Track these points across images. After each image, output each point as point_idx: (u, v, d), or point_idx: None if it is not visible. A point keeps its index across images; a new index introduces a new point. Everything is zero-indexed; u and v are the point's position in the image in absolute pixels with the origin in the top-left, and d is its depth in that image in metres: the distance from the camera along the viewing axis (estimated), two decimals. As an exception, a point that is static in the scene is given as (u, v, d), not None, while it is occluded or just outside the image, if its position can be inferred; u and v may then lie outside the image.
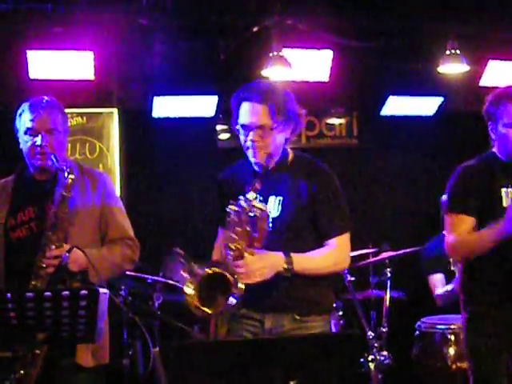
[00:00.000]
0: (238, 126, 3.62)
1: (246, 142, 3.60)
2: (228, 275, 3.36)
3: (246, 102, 3.59)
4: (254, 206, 3.44)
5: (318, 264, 3.58)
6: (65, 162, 3.90)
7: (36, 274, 3.59)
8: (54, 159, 3.74)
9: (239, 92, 3.63)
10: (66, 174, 3.70)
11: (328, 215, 3.61)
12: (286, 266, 3.47)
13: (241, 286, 3.35)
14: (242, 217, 3.45)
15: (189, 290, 3.37)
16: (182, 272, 4.53)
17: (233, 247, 3.44)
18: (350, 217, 3.68)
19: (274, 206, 3.61)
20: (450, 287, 5.88)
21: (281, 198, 3.61)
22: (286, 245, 3.55)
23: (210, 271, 3.39)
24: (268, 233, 3.52)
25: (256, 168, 3.65)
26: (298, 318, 3.58)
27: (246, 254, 3.43)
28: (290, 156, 3.72)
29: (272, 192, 3.64)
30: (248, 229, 3.46)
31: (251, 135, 3.57)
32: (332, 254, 3.61)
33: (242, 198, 3.47)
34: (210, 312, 3.37)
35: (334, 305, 5.84)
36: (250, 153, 3.62)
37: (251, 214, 3.45)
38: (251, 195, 3.46)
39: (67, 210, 3.70)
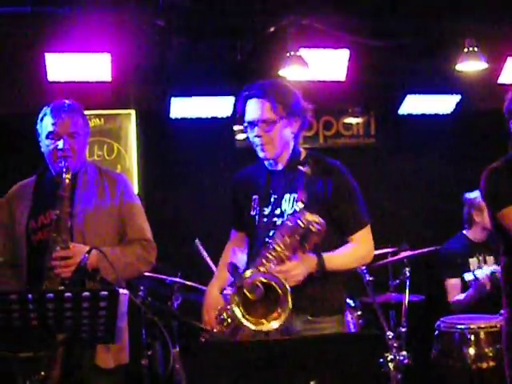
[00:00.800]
0: (245, 125, 3.69)
1: (253, 138, 3.66)
2: (276, 287, 3.35)
3: (249, 99, 3.66)
4: (308, 221, 3.43)
5: (347, 261, 3.67)
6: (84, 164, 3.94)
7: (47, 276, 3.62)
8: (73, 162, 3.78)
9: (242, 92, 3.70)
10: (63, 175, 3.72)
11: (348, 211, 3.67)
12: (318, 267, 3.53)
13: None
14: (295, 230, 3.45)
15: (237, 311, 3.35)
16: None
17: (274, 254, 3.47)
18: (367, 208, 3.74)
19: (289, 204, 3.64)
20: (463, 296, 5.87)
21: (295, 195, 3.61)
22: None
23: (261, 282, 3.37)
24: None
25: (269, 167, 3.68)
26: (310, 318, 3.61)
27: (287, 261, 3.47)
28: (303, 154, 3.75)
29: (287, 190, 3.67)
30: (298, 239, 3.48)
31: (255, 130, 3.63)
32: (358, 250, 3.71)
33: (296, 207, 3.49)
34: (258, 329, 3.33)
35: (353, 304, 5.86)
36: (258, 149, 3.68)
37: (310, 228, 3.44)
38: (299, 205, 3.48)
39: (69, 210, 3.72)
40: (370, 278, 5.84)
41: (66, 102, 3.93)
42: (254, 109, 3.64)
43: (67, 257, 3.63)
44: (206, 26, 6.29)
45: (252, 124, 3.64)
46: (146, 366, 5.50)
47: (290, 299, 3.31)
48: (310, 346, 2.78)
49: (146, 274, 4.75)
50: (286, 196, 3.66)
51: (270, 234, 3.55)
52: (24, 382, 3.04)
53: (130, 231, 3.93)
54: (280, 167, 3.73)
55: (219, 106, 7.27)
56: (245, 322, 3.33)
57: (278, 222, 3.63)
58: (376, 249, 5.85)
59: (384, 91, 7.62)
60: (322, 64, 6.82)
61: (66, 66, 6.51)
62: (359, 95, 7.68)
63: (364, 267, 5.74)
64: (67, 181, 3.72)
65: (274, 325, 3.30)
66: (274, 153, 3.66)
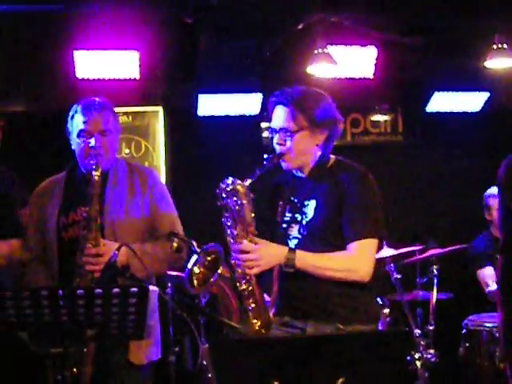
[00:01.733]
0: (270, 130, 3.67)
1: (274, 145, 3.62)
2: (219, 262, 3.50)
3: (275, 104, 3.62)
4: (234, 186, 3.49)
5: (326, 266, 3.46)
6: (115, 161, 3.96)
7: (78, 273, 3.64)
8: (104, 160, 3.80)
9: (271, 96, 3.65)
10: (92, 172, 3.73)
11: (351, 218, 3.49)
12: (285, 260, 3.43)
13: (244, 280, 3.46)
14: (225, 196, 3.51)
15: (196, 269, 3.52)
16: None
17: (230, 233, 3.50)
18: (381, 224, 3.55)
19: (309, 211, 3.59)
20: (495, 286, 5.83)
21: (314, 202, 3.58)
22: (319, 248, 3.50)
23: (211, 256, 3.55)
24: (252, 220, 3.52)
25: (295, 173, 3.67)
26: (341, 327, 3.48)
27: (244, 241, 3.46)
28: (331, 162, 3.67)
29: (307, 197, 3.62)
30: (237, 209, 3.48)
31: (276, 138, 3.60)
32: (345, 259, 3.49)
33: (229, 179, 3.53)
34: (198, 289, 3.57)
35: (380, 302, 5.84)
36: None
37: (228, 189, 3.50)
38: (247, 182, 3.50)
39: (99, 207, 3.73)
40: (398, 276, 5.83)
41: (97, 99, 3.92)
42: (276, 116, 3.60)
43: (98, 254, 3.65)
44: (234, 23, 6.30)
45: (274, 131, 3.60)
46: (174, 363, 5.53)
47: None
48: (338, 344, 2.77)
49: (174, 270, 4.77)
50: (306, 203, 3.61)
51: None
52: (55, 378, 3.05)
53: (161, 226, 3.92)
54: (304, 174, 3.67)
55: (247, 104, 7.26)
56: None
57: (299, 229, 3.60)
58: (403, 246, 5.91)
59: (412, 88, 7.58)
60: (350, 61, 6.81)
61: (94, 64, 6.56)
62: (387, 92, 7.66)
63: (392, 265, 5.74)
64: (96, 178, 3.73)
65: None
66: (291, 163, 3.60)
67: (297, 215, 3.62)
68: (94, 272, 3.62)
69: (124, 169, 3.98)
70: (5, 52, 6.41)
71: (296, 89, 3.62)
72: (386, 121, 7.92)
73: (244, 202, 3.48)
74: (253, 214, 3.52)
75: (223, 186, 3.51)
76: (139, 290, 2.93)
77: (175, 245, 3.70)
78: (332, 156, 3.69)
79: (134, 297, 2.93)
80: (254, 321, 3.50)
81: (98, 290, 2.90)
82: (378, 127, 7.90)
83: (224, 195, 3.50)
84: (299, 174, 3.68)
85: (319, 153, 3.64)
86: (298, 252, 3.46)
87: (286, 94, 3.58)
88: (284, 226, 3.66)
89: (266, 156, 3.58)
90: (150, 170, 4.14)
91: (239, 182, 3.50)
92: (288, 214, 3.67)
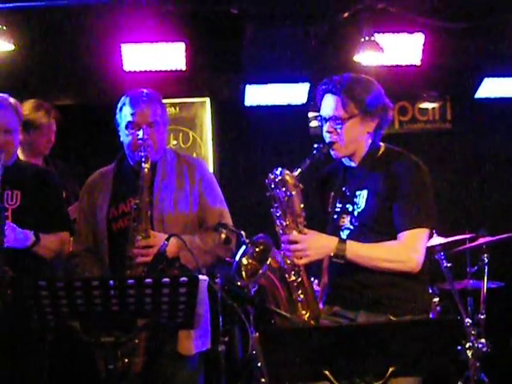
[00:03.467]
0: (319, 118, 3.64)
1: (324, 133, 3.60)
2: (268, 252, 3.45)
3: (325, 93, 3.59)
4: (283, 176, 3.47)
5: (377, 257, 3.43)
6: (164, 152, 3.97)
7: (128, 265, 3.68)
8: (152, 152, 3.81)
9: (321, 84, 3.62)
10: (142, 165, 3.75)
11: (402, 207, 3.45)
12: (336, 251, 3.41)
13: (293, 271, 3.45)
14: (274, 187, 3.49)
15: (244, 260, 3.50)
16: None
17: (281, 224, 3.48)
18: (433, 213, 3.51)
19: (360, 201, 3.57)
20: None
21: (365, 192, 3.55)
22: (371, 239, 3.48)
23: (261, 247, 3.50)
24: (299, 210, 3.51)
25: (345, 163, 3.65)
26: (393, 318, 3.44)
27: (293, 231, 3.44)
28: (381, 150, 3.64)
29: (359, 186, 3.59)
30: (286, 200, 3.47)
31: (326, 126, 3.57)
32: (395, 249, 3.45)
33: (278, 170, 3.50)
34: (247, 281, 3.50)
35: (431, 291, 5.79)
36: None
37: (277, 180, 3.47)
38: (296, 172, 3.47)
39: (148, 199, 3.75)
40: (448, 265, 5.78)
41: (144, 91, 3.94)
42: (326, 104, 3.57)
43: (148, 246, 3.67)
44: (280, 12, 6.28)
45: (324, 119, 3.58)
46: (224, 352, 5.55)
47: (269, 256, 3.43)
48: (389, 332, 2.76)
49: (224, 260, 4.78)
50: (357, 193, 3.58)
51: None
52: (106, 367, 3.08)
53: (210, 217, 3.94)
54: (354, 164, 3.64)
55: (294, 93, 7.26)
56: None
57: (351, 219, 3.58)
58: (454, 235, 5.86)
59: (460, 75, 7.49)
60: (397, 48, 6.76)
61: (141, 56, 6.61)
62: (435, 79, 7.58)
63: (442, 253, 5.69)
64: (146, 170, 3.75)
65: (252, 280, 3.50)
66: (342, 152, 3.57)
67: (348, 206, 3.60)
68: (144, 263, 3.65)
69: (173, 160, 3.99)
70: (53, 46, 6.48)
71: (345, 76, 3.60)
72: (434, 108, 7.86)
73: (293, 192, 3.47)
74: (302, 205, 3.51)
75: (272, 176, 3.50)
76: (189, 279, 2.94)
77: (223, 236, 3.70)
78: (382, 144, 3.67)
79: (184, 286, 2.94)
80: (303, 312, 3.49)
81: (149, 280, 2.91)
82: (426, 115, 7.84)
83: (273, 186, 3.49)
84: (350, 164, 3.66)
85: (370, 141, 3.61)
86: (349, 242, 3.44)
87: (335, 82, 3.55)
88: (335, 216, 3.64)
89: (315, 145, 3.56)
90: (198, 161, 4.15)
91: (288, 172, 3.48)
92: (339, 205, 3.65)
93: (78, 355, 4.53)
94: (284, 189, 3.47)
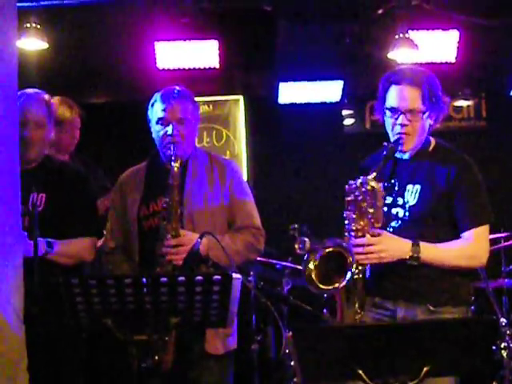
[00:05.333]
0: (386, 109, 3.59)
1: (394, 125, 3.56)
2: (346, 254, 3.41)
3: (397, 85, 3.55)
4: (367, 184, 3.44)
5: (449, 256, 3.50)
6: (194, 151, 3.97)
7: (158, 263, 3.67)
8: (181, 149, 3.80)
9: (390, 75, 3.59)
10: (172, 163, 3.74)
11: (466, 206, 3.51)
12: (411, 253, 3.44)
13: (358, 266, 3.45)
14: (358, 194, 3.47)
15: (310, 265, 3.44)
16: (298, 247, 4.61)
17: (353, 227, 3.47)
18: (490, 209, 3.58)
19: (411, 195, 3.56)
20: None
21: (418, 187, 3.55)
22: (423, 234, 3.49)
23: (329, 249, 3.44)
24: (383, 212, 3.52)
25: (396, 155, 3.61)
26: (432, 308, 3.49)
27: (367, 234, 3.45)
28: (432, 144, 3.65)
29: (410, 180, 3.59)
30: (364, 205, 3.46)
31: (401, 119, 3.53)
32: (466, 248, 3.51)
33: (361, 177, 3.48)
34: (323, 288, 3.46)
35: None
36: (394, 139, 3.57)
37: (364, 189, 3.45)
38: (372, 175, 3.46)
39: (178, 198, 3.73)
40: (483, 264, 5.72)
41: (176, 88, 3.94)
42: (403, 96, 3.52)
43: (178, 245, 3.67)
44: (314, 9, 6.26)
45: (396, 111, 3.54)
46: (256, 351, 5.54)
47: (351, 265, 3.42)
48: (423, 331, 2.74)
49: (257, 258, 4.77)
50: (409, 187, 3.58)
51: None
52: (139, 365, 3.08)
53: (239, 218, 3.92)
54: (407, 156, 3.63)
55: (328, 91, 7.24)
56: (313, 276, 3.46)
57: (401, 213, 3.58)
58: (489, 233, 5.79)
59: (495, 72, 7.44)
60: (432, 45, 6.72)
61: (175, 54, 6.63)
62: (470, 77, 7.52)
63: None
64: (176, 169, 3.74)
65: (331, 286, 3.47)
66: (412, 145, 3.57)
67: (398, 199, 3.60)
68: (174, 261, 3.65)
69: (204, 160, 3.99)
70: (87, 44, 6.52)
71: (415, 69, 3.65)
72: (468, 106, 7.81)
73: (379, 204, 3.50)
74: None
75: (358, 184, 3.49)
76: (222, 277, 2.93)
77: (308, 245, 3.75)
78: (431, 138, 3.68)
79: (218, 285, 2.93)
80: (354, 302, 3.54)
81: (182, 278, 2.91)
82: (460, 112, 7.79)
83: (357, 193, 3.49)
84: (401, 156, 3.64)
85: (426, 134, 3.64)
86: (422, 245, 3.46)
87: (407, 74, 3.55)
88: (384, 209, 3.62)
89: (384, 144, 3.57)
90: (229, 162, 4.14)
91: (369, 178, 3.47)
92: (389, 198, 3.63)
93: (111, 352, 4.54)
94: (370, 197, 3.48)
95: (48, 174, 4.03)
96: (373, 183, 3.46)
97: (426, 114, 3.52)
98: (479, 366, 2.81)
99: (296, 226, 4.98)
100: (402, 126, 3.52)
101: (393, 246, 3.46)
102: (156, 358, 3.13)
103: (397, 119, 3.53)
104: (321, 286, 3.45)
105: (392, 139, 3.58)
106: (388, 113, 3.57)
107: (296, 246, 4.04)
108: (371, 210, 3.47)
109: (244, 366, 5.36)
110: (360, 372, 2.68)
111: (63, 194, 3.99)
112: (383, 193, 3.51)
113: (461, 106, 7.77)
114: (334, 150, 6.95)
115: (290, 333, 4.68)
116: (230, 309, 3.02)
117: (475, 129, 7.79)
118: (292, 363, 4.94)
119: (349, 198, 3.51)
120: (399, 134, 3.53)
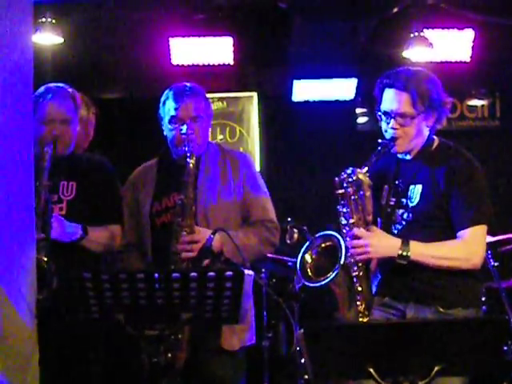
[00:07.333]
0: (379, 113, 3.59)
1: (387, 129, 3.56)
2: (341, 248, 3.48)
3: (389, 88, 3.54)
4: (355, 174, 3.47)
5: (440, 255, 3.45)
6: (207, 146, 3.96)
7: (172, 260, 3.66)
8: (196, 146, 3.80)
9: (383, 77, 3.58)
10: (187, 160, 3.73)
11: (461, 205, 3.45)
12: (400, 252, 3.41)
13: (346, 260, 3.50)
14: (346, 185, 3.50)
15: (308, 258, 3.53)
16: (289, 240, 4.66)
17: (346, 221, 3.51)
18: (490, 209, 3.51)
19: (413, 195, 3.55)
20: None
21: (420, 187, 3.54)
22: (424, 234, 3.48)
23: (325, 244, 3.51)
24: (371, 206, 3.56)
25: (399, 156, 3.62)
26: (441, 310, 3.47)
27: (360, 228, 3.48)
28: (435, 144, 3.62)
29: (412, 181, 3.58)
30: (356, 197, 3.50)
31: (391, 123, 3.52)
32: (459, 247, 3.46)
33: (350, 168, 3.51)
34: (316, 280, 3.54)
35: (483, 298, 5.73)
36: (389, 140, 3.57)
37: (351, 179, 3.49)
38: (364, 169, 3.48)
39: (193, 195, 3.74)
40: (495, 264, 5.71)
41: (188, 84, 3.91)
42: (392, 100, 3.52)
43: (193, 241, 3.67)
44: (329, 7, 6.25)
45: (388, 115, 3.54)
46: (267, 348, 5.54)
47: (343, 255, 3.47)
48: (434, 331, 2.73)
49: (268, 255, 4.77)
50: (411, 187, 3.57)
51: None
52: (150, 360, 3.09)
53: (254, 212, 3.90)
54: (409, 157, 3.63)
55: (341, 89, 7.24)
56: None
57: (404, 214, 3.57)
58: (501, 234, 5.78)
59: (510, 72, 7.40)
60: (446, 44, 6.71)
61: (189, 50, 6.64)
62: (484, 76, 7.51)
63: (489, 252, 5.62)
64: (191, 166, 3.73)
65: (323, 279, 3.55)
66: (405, 148, 3.56)
67: (402, 199, 3.59)
68: (189, 259, 3.65)
69: (216, 154, 3.97)
70: (102, 40, 6.53)
71: (409, 72, 3.58)
72: (483, 105, 7.78)
73: (367, 194, 3.52)
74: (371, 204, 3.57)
75: (345, 175, 3.51)
76: (234, 273, 2.93)
77: (296, 236, 3.77)
78: (435, 137, 3.65)
79: (230, 281, 2.93)
80: (358, 303, 3.54)
81: (194, 274, 2.91)
82: (474, 112, 7.76)
83: (345, 184, 3.51)
84: (404, 157, 3.64)
85: (427, 134, 3.60)
86: (412, 243, 3.44)
87: (398, 77, 3.52)
88: (388, 210, 3.63)
89: (380, 141, 3.56)
90: (242, 155, 4.12)
91: (360, 170, 3.50)
92: (393, 199, 3.63)
93: (123, 348, 4.55)
94: (357, 188, 3.50)
95: (77, 163, 4.06)
96: (360, 175, 3.48)
97: (420, 117, 3.49)
98: (490, 366, 2.81)
99: (289, 219, 5.00)
100: (394, 129, 3.52)
101: (381, 243, 3.46)
102: (169, 355, 3.14)
103: (388, 124, 3.54)
104: (313, 277, 3.54)
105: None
106: (382, 116, 3.57)
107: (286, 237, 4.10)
108: (360, 202, 3.50)
109: (255, 363, 5.37)
110: (371, 370, 2.68)
111: (93, 182, 4.02)
112: (370, 183, 3.52)
113: (475, 106, 7.75)
114: (347, 148, 6.94)
115: (301, 330, 4.69)
116: (241, 305, 3.02)
117: (489, 128, 7.77)
118: (303, 360, 4.94)
119: (340, 191, 3.53)
120: (392, 138, 3.53)
